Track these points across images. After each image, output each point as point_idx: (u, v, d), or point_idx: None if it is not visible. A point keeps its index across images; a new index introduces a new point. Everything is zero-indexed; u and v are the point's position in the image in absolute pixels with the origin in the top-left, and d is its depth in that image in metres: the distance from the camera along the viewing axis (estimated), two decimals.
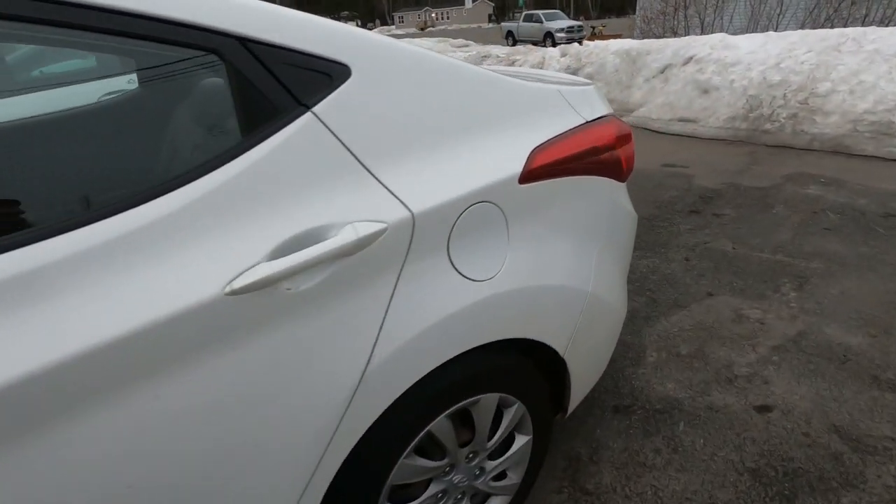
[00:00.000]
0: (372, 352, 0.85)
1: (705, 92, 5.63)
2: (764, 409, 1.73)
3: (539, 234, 1.09)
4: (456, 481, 1.14)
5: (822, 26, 8.81)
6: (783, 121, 4.94)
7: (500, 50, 10.82)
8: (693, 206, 3.49)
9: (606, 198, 1.25)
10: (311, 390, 0.80)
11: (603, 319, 1.32)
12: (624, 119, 6.15)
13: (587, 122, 1.19)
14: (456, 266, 0.94)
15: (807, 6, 9.60)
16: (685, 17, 10.57)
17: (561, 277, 1.14)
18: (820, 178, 3.84)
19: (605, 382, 1.88)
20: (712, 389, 1.83)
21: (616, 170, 1.26)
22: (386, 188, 0.86)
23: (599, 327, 1.31)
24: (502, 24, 30.79)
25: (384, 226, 0.83)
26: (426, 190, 0.89)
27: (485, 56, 9.63)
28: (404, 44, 0.94)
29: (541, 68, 7.58)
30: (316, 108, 0.81)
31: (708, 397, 1.79)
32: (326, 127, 0.81)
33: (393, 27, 68.43)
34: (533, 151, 1.05)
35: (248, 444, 0.76)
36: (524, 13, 24.44)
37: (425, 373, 0.93)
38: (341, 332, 0.82)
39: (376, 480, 0.97)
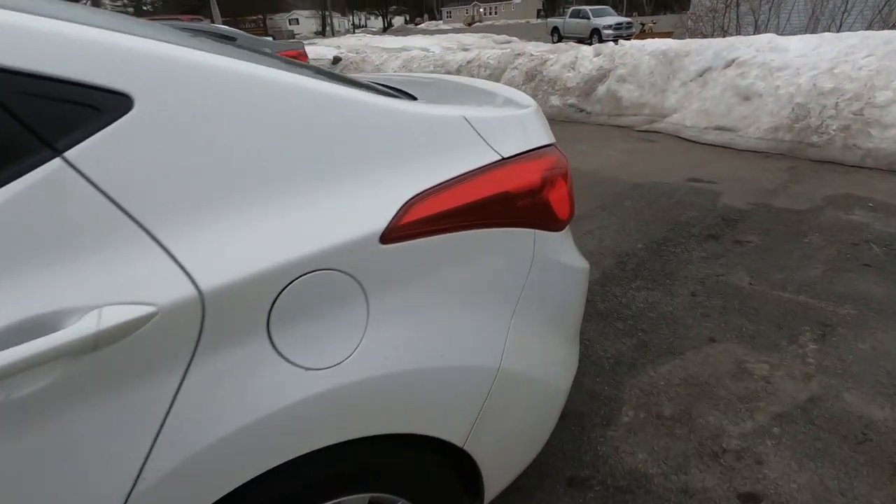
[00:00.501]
0: (140, 473, 0.65)
1: (746, 99, 5.15)
2: (750, 498, 1.43)
3: (418, 304, 0.86)
4: None
5: (894, 27, 7.98)
6: (833, 133, 4.43)
7: (537, 48, 10.41)
8: (713, 229, 3.13)
9: (528, 253, 1.00)
10: None
11: (526, 398, 1.08)
12: (655, 126, 5.74)
13: (503, 159, 0.95)
14: (282, 353, 0.74)
15: (876, 3, 8.72)
16: (737, 14, 9.85)
17: (453, 356, 0.91)
18: (868, 202, 3.38)
19: (566, 445, 1.63)
20: (691, 466, 1.54)
21: (544, 218, 1.01)
22: (171, 256, 0.65)
23: (520, 408, 1.07)
24: (548, 19, 30.02)
25: (152, 310, 0.63)
26: (232, 257, 0.69)
27: (518, 54, 9.26)
28: (227, 61, 0.73)
29: (572, 69, 7.21)
30: (69, 153, 0.62)
31: (684, 476, 1.51)
32: (83, 176, 0.62)
33: (440, 22, 68.23)
34: (409, 202, 0.82)
35: None
36: (571, 9, 23.71)
37: (234, 487, 0.72)
38: (89, 452, 0.63)
39: None
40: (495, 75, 9.41)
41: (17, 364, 0.56)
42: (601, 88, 6.53)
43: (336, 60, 15.57)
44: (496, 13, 74.78)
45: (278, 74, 0.77)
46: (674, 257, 2.82)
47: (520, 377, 1.03)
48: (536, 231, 1.00)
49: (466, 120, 0.94)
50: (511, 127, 1.01)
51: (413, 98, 1.04)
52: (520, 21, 57.63)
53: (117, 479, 0.64)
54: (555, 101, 6.98)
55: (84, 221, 0.62)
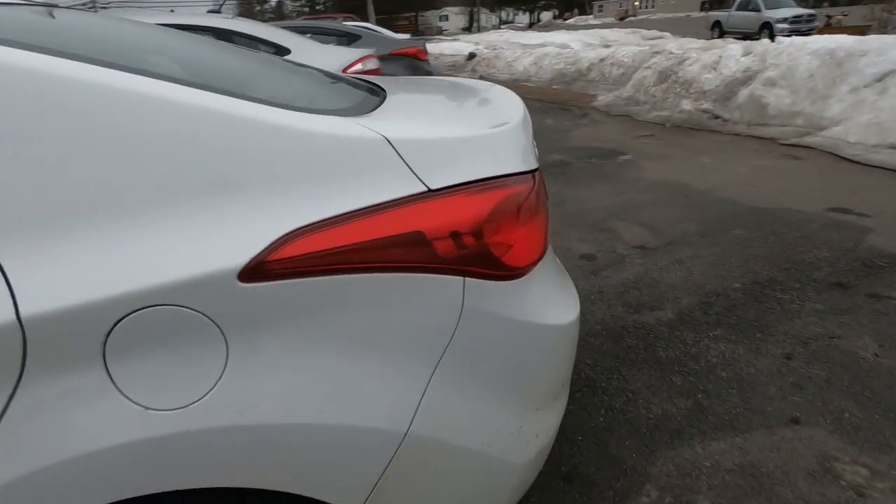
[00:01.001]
0: None
1: None
2: None
3: (297, 352, 0.76)
4: None
5: None
6: None
7: (681, 45, 9.39)
8: (843, 276, 2.50)
9: (455, 305, 0.83)
10: None
11: (453, 471, 0.92)
12: (807, 139, 4.86)
13: (428, 191, 0.80)
14: (120, 388, 0.69)
15: None
16: None
17: (334, 413, 0.79)
18: None
19: None
20: None
21: (481, 265, 0.83)
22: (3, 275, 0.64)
23: (444, 482, 0.92)
24: (710, 12, 27.01)
25: None
26: (62, 284, 0.65)
27: (656, 52, 8.45)
28: (62, 68, 0.68)
29: (713, 70, 6.38)
30: None
31: None
32: None
33: (590, 17, 65.46)
34: (287, 236, 0.72)
35: None
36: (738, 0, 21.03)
37: None
38: None
39: None
40: (627, 74, 8.74)
41: None
42: (743, 93, 5.66)
43: (471, 56, 15.76)
44: (653, 6, 69.65)
45: (133, 82, 0.71)
46: (777, 305, 2.30)
47: (442, 446, 0.88)
48: (468, 279, 0.83)
49: (388, 142, 0.80)
50: (457, 151, 0.85)
51: (368, 110, 0.94)
52: (679, 14, 52.93)
53: None
54: (686, 105, 6.22)
55: None
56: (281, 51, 3.53)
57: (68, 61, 0.70)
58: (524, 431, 0.99)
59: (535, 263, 0.90)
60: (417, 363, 0.84)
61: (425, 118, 0.99)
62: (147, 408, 0.70)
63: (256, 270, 0.70)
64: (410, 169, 0.80)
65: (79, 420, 0.68)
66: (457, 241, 0.80)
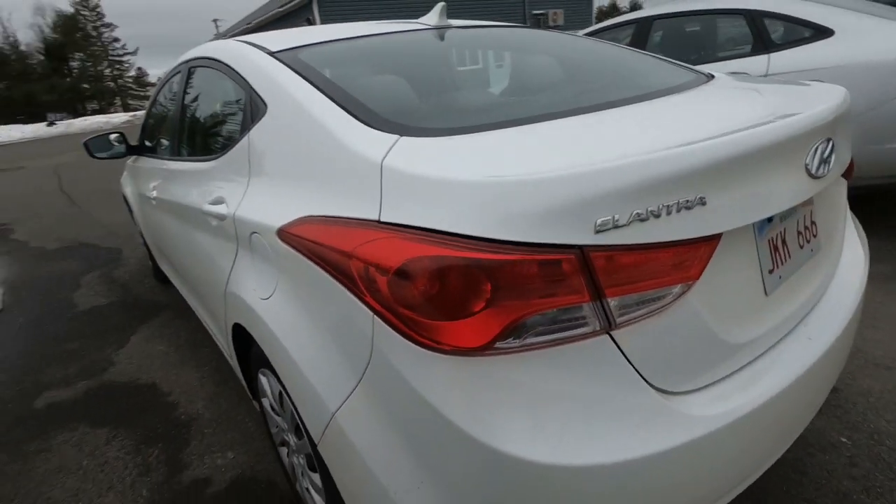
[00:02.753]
0: None
1: None
2: None
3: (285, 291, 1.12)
4: None
5: None
6: None
7: None
8: None
9: (366, 339, 0.85)
10: None
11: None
12: None
13: (377, 221, 0.83)
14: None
15: None
16: None
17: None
18: None
19: None
20: None
21: (400, 315, 0.78)
22: None
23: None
24: None
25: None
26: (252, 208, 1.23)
27: None
28: None
29: None
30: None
31: None
32: None
33: None
34: (305, 218, 1.00)
35: None
36: None
37: None
38: None
39: None
40: None
41: None
42: None
43: None
44: None
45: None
46: None
47: (352, 449, 0.90)
48: (377, 320, 0.82)
49: (381, 170, 0.85)
50: (443, 194, 0.78)
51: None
52: None
53: None
54: None
55: None
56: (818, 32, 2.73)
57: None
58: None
59: (484, 347, 0.74)
60: (350, 365, 0.89)
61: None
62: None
63: (284, 232, 1.04)
64: (381, 196, 0.84)
65: None
66: (373, 278, 0.81)
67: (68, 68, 44.33)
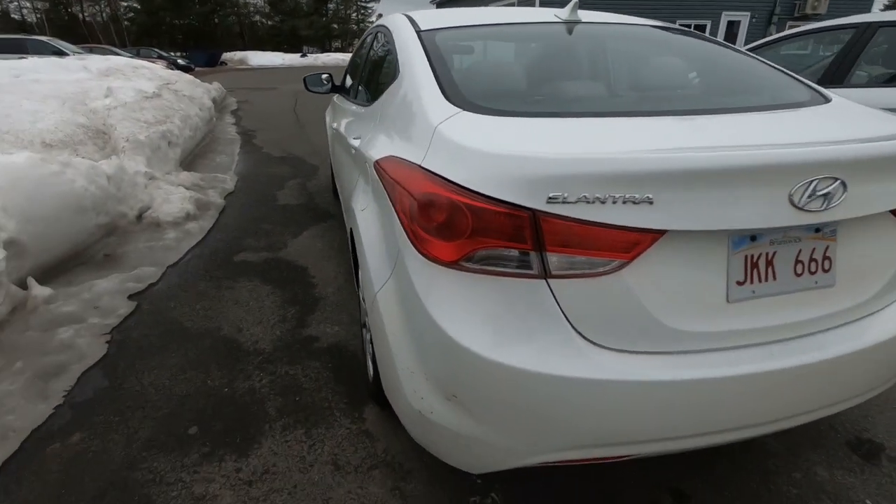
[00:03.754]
0: None
1: None
2: None
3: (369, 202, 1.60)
4: None
5: None
6: None
7: None
8: None
9: (394, 241, 1.29)
10: None
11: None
12: None
13: (419, 166, 1.19)
14: None
15: None
16: None
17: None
18: None
19: None
20: None
21: (412, 228, 1.18)
22: None
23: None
24: None
25: None
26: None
27: None
28: None
29: None
30: None
31: None
32: None
33: None
34: (388, 157, 1.39)
35: None
36: None
37: None
38: None
39: None
40: None
41: None
42: None
43: None
44: None
45: None
46: None
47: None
48: (403, 231, 1.21)
49: (433, 130, 1.22)
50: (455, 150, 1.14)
51: None
52: None
53: None
54: None
55: None
56: None
57: None
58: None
59: (452, 262, 1.08)
60: (389, 259, 1.30)
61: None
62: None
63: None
64: (428, 147, 1.21)
65: None
66: (405, 197, 1.20)
67: (326, 10, 51.68)
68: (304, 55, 35.67)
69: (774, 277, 1.13)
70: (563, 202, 0.99)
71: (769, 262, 1.12)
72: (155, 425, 1.83)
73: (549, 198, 0.99)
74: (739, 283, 1.10)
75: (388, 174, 1.32)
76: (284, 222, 3.95)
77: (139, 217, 3.68)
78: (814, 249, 1.15)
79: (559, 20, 1.90)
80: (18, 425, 1.80)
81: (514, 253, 1.04)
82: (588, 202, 0.98)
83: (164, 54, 24.35)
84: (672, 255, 1.05)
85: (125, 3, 43.91)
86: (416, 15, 2.00)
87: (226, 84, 13.16)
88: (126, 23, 43.18)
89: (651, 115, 1.27)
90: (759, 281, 1.12)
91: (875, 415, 1.86)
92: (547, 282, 1.04)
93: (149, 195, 3.86)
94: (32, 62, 6.85)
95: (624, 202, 0.98)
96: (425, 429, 1.25)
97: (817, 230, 1.14)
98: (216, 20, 46.63)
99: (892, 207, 1.17)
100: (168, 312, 2.59)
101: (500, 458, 1.17)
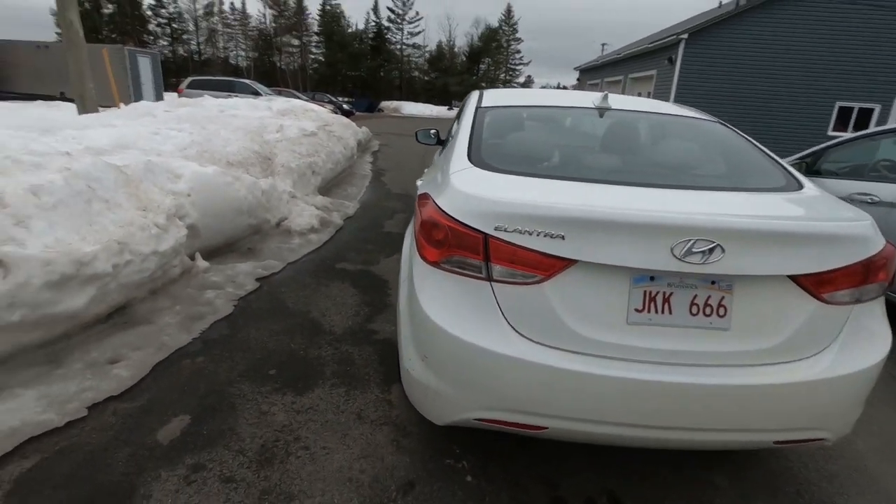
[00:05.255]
0: None
1: None
2: None
3: None
4: None
5: None
6: None
7: None
8: None
9: None
10: None
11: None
12: None
13: (433, 200, 1.74)
14: None
15: None
16: None
17: None
18: None
19: None
20: None
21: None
22: None
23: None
24: None
25: None
26: None
27: None
28: None
29: None
30: None
31: None
32: None
33: None
34: (425, 193, 1.85)
35: None
36: None
37: None
38: None
39: None
40: None
41: None
42: None
43: None
44: None
45: None
46: None
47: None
48: (413, 239, 1.75)
49: (449, 176, 1.79)
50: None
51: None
52: None
53: None
54: None
55: None
56: None
57: None
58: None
59: (433, 262, 1.60)
60: (409, 262, 1.83)
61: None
62: None
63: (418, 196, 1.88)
64: None
65: None
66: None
67: (477, 69, 55.97)
68: (450, 108, 38.99)
69: (670, 312, 1.47)
70: (504, 231, 1.48)
71: (666, 300, 1.47)
72: (249, 363, 2.56)
73: (496, 227, 1.49)
74: (638, 311, 1.47)
75: (418, 203, 1.90)
76: (383, 245, 4.74)
77: (277, 224, 4.73)
78: (709, 297, 1.47)
79: (590, 105, 2.38)
80: (170, 344, 2.66)
81: (472, 261, 1.54)
82: (520, 233, 1.47)
83: (334, 99, 28.39)
84: (582, 278, 1.47)
85: (312, 56, 52.24)
86: (487, 92, 2.62)
87: (376, 128, 15.18)
88: (310, 71, 51.18)
89: (604, 183, 1.70)
90: (656, 312, 1.47)
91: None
92: (491, 284, 1.53)
93: (288, 209, 4.93)
94: (234, 101, 8.86)
95: (544, 236, 1.45)
96: (408, 382, 1.76)
97: (713, 282, 1.47)
98: (381, 73, 53.08)
99: (789, 273, 1.45)
100: (279, 294, 3.42)
101: (451, 411, 1.63)
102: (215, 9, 51.76)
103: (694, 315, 1.48)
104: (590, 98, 2.45)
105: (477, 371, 1.53)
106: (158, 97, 19.45)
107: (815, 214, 1.56)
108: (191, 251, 3.52)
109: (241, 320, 3.01)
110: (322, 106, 12.22)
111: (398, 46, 55.33)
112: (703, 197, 1.65)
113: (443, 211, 1.61)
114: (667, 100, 15.11)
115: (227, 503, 1.72)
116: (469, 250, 1.54)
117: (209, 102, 7.98)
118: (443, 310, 1.58)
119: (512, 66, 57.97)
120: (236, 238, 4.15)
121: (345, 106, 27.36)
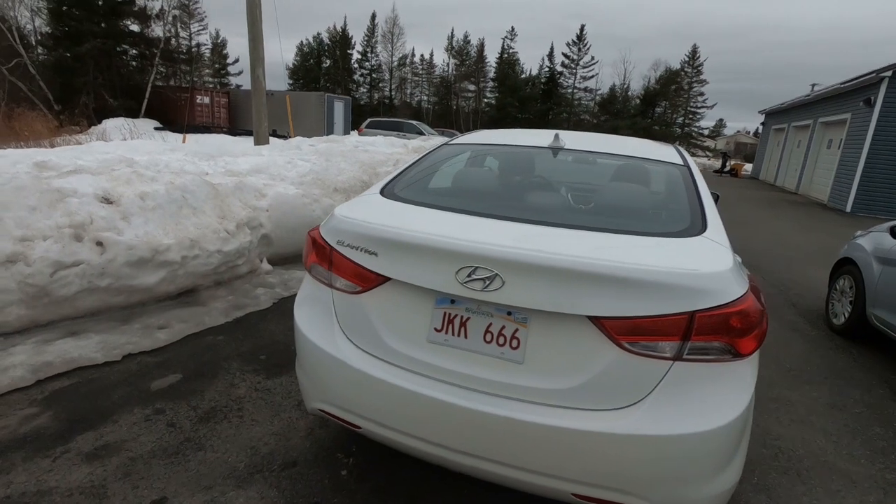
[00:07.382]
0: None
1: None
2: None
3: None
4: None
5: None
6: None
7: None
8: None
9: None
10: None
11: None
12: None
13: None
14: None
15: None
16: None
17: None
18: None
19: None
20: None
21: None
22: None
23: None
24: None
25: None
26: None
27: None
28: None
29: None
30: None
31: None
32: None
33: None
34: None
35: None
36: None
37: None
38: None
39: None
40: None
41: None
42: None
43: None
44: None
45: None
46: None
47: None
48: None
49: (362, 200, 2.09)
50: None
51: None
52: None
53: None
54: None
55: None
56: None
57: None
58: None
59: (308, 269, 1.86)
60: None
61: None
62: None
63: None
64: None
65: None
66: None
67: (652, 112, 53.36)
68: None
69: (466, 336, 1.54)
70: (341, 245, 1.73)
71: (463, 324, 1.55)
72: (251, 347, 3.11)
73: (338, 241, 1.75)
74: (437, 330, 1.57)
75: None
76: None
77: None
78: (503, 327, 1.50)
79: (540, 145, 2.41)
80: (207, 322, 3.36)
81: (323, 269, 1.81)
82: (351, 248, 1.70)
83: None
84: (394, 294, 1.63)
85: (486, 100, 55.77)
86: (474, 133, 2.83)
87: None
88: (481, 114, 54.61)
89: (485, 216, 1.77)
90: (453, 335, 1.55)
91: None
92: (331, 291, 1.77)
93: None
94: (372, 139, 10.17)
95: (363, 251, 1.66)
96: (297, 372, 2.06)
97: (509, 313, 1.50)
98: (549, 116, 54.02)
99: (587, 313, 1.41)
100: None
101: (306, 400, 1.89)
102: (408, 60, 59.01)
103: (488, 342, 1.52)
104: (548, 137, 2.48)
105: (316, 367, 1.78)
106: (346, 133, 23.12)
107: (660, 259, 1.46)
108: (259, 255, 4.30)
109: (270, 314, 3.62)
110: None
111: (570, 90, 55.88)
112: (560, 236, 1.62)
113: (318, 227, 1.92)
114: (861, 148, 12.76)
115: (158, 440, 2.21)
116: (323, 259, 1.81)
117: (349, 140, 9.34)
118: (302, 309, 1.87)
119: (692, 110, 53.89)
120: (301, 251, 4.90)
121: None
